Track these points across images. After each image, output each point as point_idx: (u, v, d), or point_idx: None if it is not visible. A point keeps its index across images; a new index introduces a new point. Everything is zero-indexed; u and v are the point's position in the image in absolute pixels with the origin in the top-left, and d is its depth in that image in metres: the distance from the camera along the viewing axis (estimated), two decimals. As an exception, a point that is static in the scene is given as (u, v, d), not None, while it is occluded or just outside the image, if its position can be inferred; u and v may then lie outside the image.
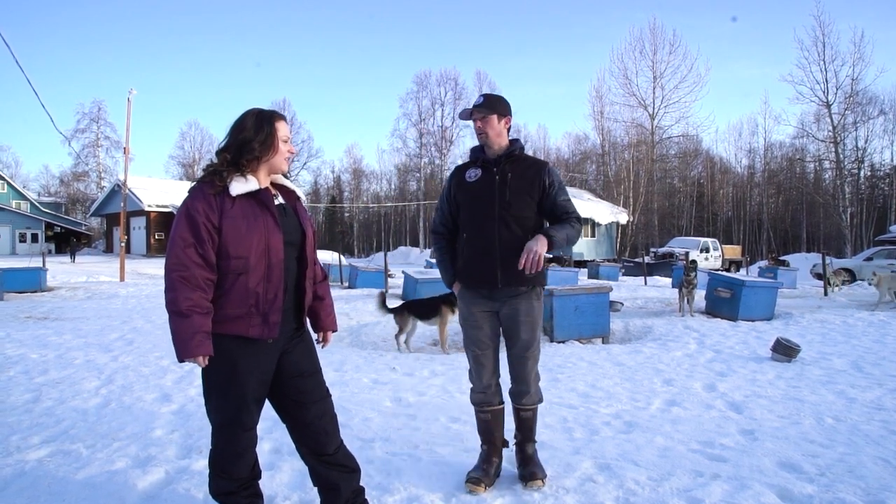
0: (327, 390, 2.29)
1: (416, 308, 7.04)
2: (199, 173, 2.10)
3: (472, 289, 2.80)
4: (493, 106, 2.74)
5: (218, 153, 2.09)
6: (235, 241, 1.99)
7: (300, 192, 2.31)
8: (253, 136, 2.07)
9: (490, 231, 2.71)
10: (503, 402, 2.88)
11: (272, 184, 2.19)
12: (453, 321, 6.52)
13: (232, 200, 2.02)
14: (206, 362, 1.98)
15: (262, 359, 2.08)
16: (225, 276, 2.01)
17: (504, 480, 2.81)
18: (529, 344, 2.74)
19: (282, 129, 2.13)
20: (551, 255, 3.04)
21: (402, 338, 6.91)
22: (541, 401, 2.86)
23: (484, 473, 2.74)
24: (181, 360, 1.94)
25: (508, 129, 2.81)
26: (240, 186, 2.03)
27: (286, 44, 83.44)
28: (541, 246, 2.57)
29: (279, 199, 2.18)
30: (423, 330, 8.32)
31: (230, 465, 2.13)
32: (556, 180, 2.77)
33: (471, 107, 2.77)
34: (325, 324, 2.34)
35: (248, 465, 2.18)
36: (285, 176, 2.24)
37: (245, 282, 2.01)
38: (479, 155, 2.82)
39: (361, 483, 2.35)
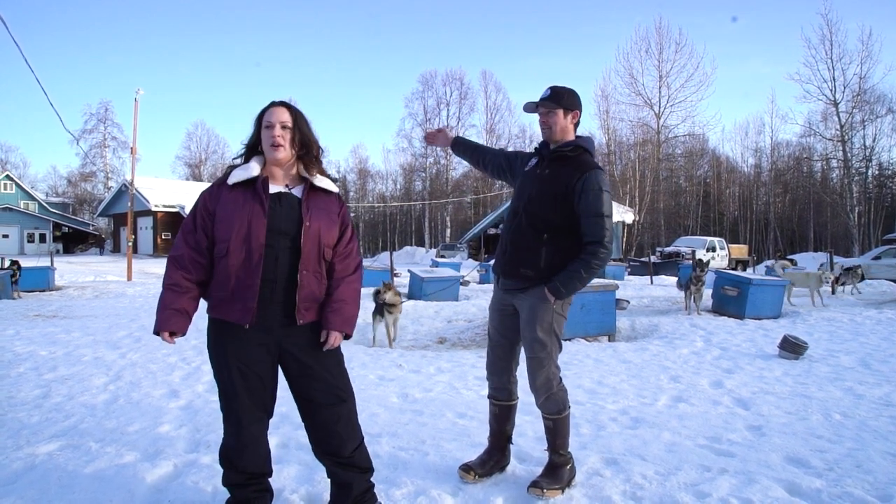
0: (343, 396, 2.20)
1: None
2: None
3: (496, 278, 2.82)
4: (559, 99, 2.61)
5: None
6: (221, 225, 2.07)
7: (335, 189, 2.24)
8: (254, 124, 2.18)
9: (509, 222, 2.73)
10: (512, 401, 2.84)
11: (310, 183, 2.17)
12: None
13: (230, 189, 2.11)
14: (174, 340, 2.07)
15: (242, 346, 2.09)
16: (216, 260, 2.09)
17: (519, 478, 2.77)
18: (532, 344, 2.58)
19: (268, 114, 2.11)
20: None
21: None
22: (559, 412, 2.64)
23: (479, 463, 2.76)
24: (154, 332, 2.04)
25: (576, 125, 2.68)
26: (237, 174, 2.11)
27: (290, 44, 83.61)
28: (549, 302, 2.56)
29: (289, 190, 2.15)
30: (429, 328, 8.34)
31: (235, 457, 2.16)
32: (590, 189, 2.49)
33: (538, 99, 2.67)
34: (327, 320, 2.12)
35: (255, 461, 2.19)
36: (326, 175, 2.21)
37: (226, 265, 2.06)
38: (538, 148, 2.78)
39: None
